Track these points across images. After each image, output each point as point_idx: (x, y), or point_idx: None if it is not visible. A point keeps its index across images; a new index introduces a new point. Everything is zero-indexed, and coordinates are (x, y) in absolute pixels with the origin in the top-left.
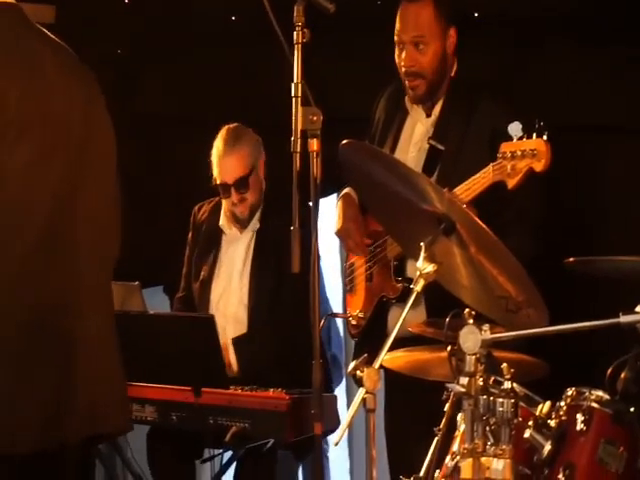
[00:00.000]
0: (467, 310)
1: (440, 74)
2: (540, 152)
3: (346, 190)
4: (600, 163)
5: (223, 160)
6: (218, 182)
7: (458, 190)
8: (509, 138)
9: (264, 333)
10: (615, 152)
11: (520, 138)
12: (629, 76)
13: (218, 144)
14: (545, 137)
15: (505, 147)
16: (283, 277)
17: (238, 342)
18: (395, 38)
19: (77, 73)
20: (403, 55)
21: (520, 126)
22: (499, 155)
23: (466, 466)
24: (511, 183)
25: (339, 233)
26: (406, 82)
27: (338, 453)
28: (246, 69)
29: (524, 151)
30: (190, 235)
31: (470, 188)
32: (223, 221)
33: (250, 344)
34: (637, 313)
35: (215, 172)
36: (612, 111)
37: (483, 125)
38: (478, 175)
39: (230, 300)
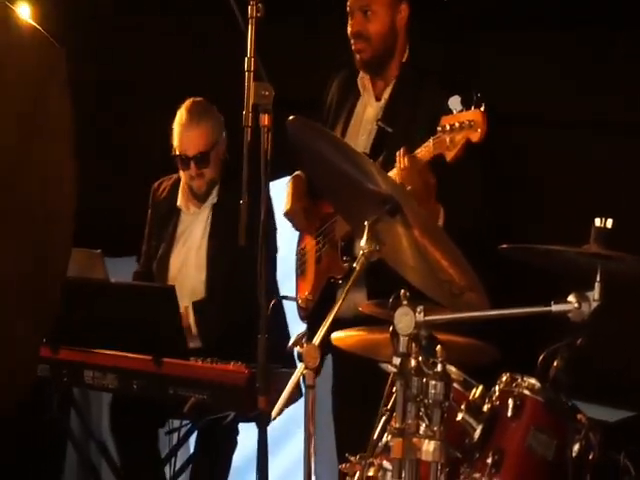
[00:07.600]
0: (402, 291)
1: (387, 46)
2: (476, 122)
3: (297, 172)
4: (549, 153)
5: (186, 132)
6: (177, 152)
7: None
8: (449, 112)
9: (222, 299)
10: (564, 143)
11: (460, 112)
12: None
13: (182, 115)
14: (482, 108)
15: (445, 120)
16: (240, 250)
17: (197, 305)
18: (347, 8)
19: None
20: (351, 22)
21: (459, 99)
22: (439, 129)
23: (396, 445)
24: (449, 155)
25: (287, 213)
26: (353, 46)
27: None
28: (200, 41)
29: (462, 123)
30: (150, 213)
31: None
32: (181, 200)
33: (209, 307)
34: (569, 302)
35: (175, 142)
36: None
37: (429, 109)
38: (419, 149)
39: (188, 274)
